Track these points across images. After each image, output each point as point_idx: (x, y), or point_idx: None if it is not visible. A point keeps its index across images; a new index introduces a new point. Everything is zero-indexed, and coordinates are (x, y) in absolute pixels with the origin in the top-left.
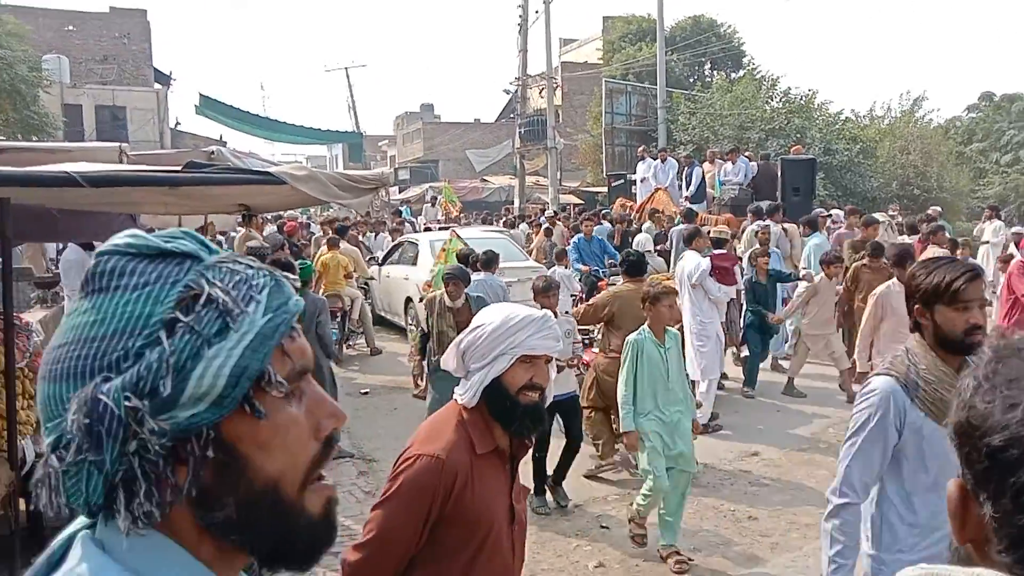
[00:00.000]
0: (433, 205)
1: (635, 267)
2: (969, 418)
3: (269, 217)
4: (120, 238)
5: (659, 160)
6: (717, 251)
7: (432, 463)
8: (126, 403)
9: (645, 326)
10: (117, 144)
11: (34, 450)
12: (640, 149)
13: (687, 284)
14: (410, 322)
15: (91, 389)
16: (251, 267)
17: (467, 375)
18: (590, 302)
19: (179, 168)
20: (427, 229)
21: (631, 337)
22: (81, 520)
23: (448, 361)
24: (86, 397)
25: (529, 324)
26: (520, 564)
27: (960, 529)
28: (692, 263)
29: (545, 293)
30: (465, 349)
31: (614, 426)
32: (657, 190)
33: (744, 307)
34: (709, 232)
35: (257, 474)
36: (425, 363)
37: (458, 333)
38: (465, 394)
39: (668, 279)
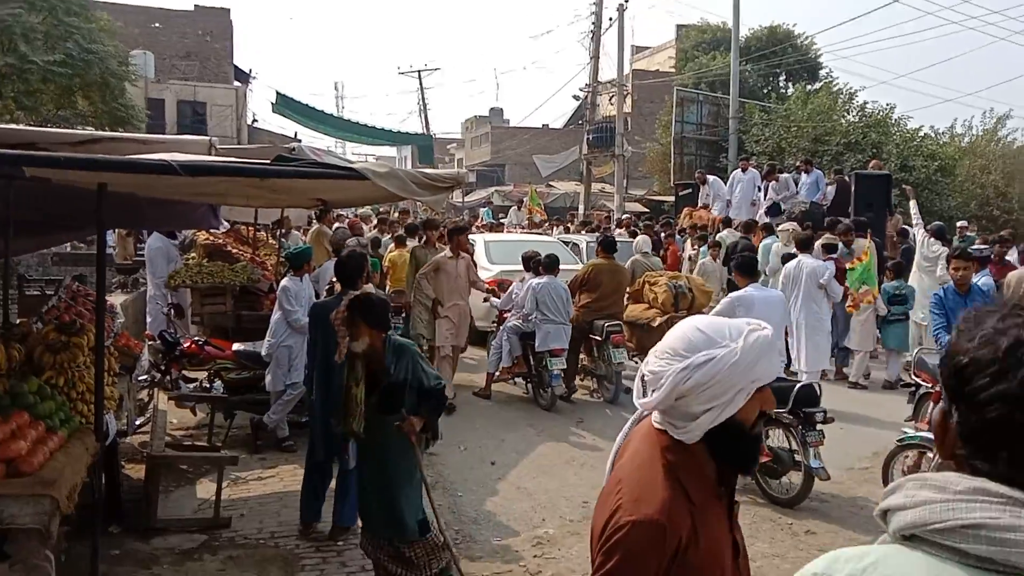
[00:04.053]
0: (520, 209)
1: (609, 246)
2: (948, 352)
3: (346, 213)
4: None
5: (740, 169)
6: (831, 256)
7: (652, 531)
8: None
9: None
10: (207, 138)
11: (116, 426)
12: (697, 174)
13: (804, 282)
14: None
15: None
16: None
17: (669, 409)
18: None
19: (269, 161)
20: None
21: None
22: None
23: (651, 402)
24: None
25: (769, 348)
26: None
27: (940, 447)
28: (813, 265)
29: None
30: (692, 388)
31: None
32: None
33: None
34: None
35: None
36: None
37: (365, 393)
38: (686, 434)
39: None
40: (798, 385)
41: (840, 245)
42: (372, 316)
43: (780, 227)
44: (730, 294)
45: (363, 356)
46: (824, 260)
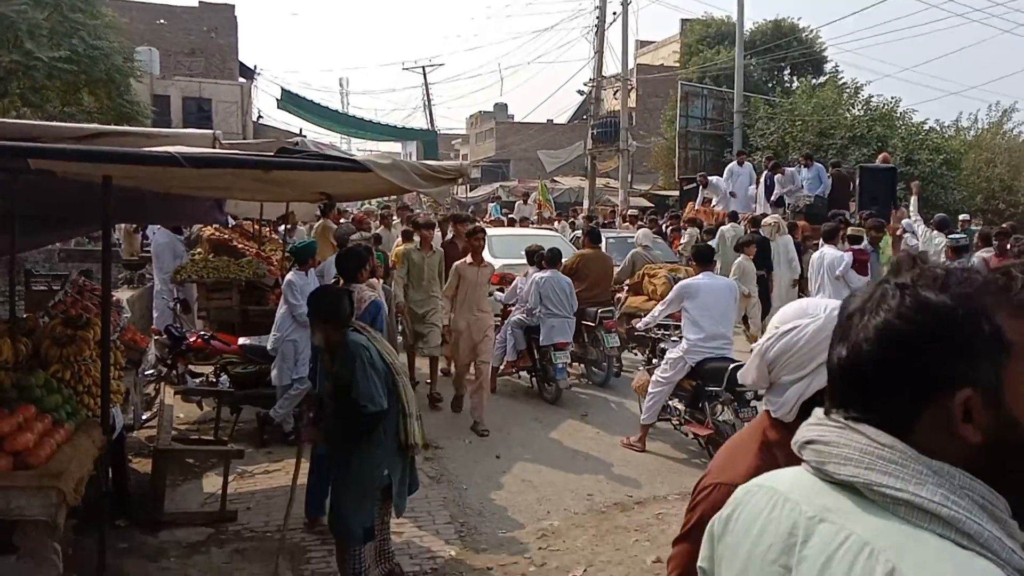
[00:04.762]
0: (526, 203)
1: (595, 235)
2: None
3: (351, 209)
4: None
5: (736, 163)
6: (854, 247)
7: (730, 494)
8: None
9: None
10: (211, 131)
11: (122, 419)
12: (699, 176)
13: (825, 273)
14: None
15: None
16: None
17: (772, 387)
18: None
19: (272, 153)
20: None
21: None
22: None
23: (747, 374)
24: None
25: None
26: None
27: None
28: (832, 256)
29: None
30: (776, 358)
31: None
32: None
33: None
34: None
35: None
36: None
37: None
38: (779, 409)
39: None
40: (731, 365)
41: (864, 238)
42: (317, 309)
43: (764, 221)
44: (679, 282)
45: (324, 352)
46: (847, 251)
